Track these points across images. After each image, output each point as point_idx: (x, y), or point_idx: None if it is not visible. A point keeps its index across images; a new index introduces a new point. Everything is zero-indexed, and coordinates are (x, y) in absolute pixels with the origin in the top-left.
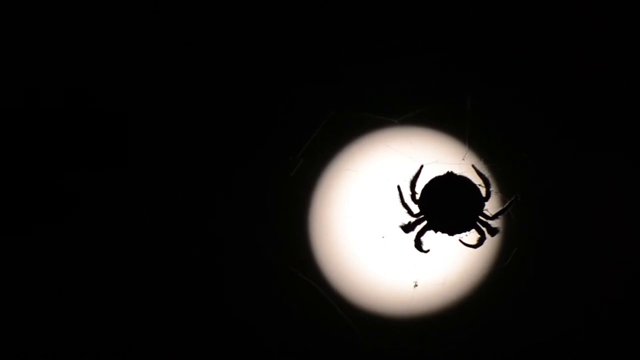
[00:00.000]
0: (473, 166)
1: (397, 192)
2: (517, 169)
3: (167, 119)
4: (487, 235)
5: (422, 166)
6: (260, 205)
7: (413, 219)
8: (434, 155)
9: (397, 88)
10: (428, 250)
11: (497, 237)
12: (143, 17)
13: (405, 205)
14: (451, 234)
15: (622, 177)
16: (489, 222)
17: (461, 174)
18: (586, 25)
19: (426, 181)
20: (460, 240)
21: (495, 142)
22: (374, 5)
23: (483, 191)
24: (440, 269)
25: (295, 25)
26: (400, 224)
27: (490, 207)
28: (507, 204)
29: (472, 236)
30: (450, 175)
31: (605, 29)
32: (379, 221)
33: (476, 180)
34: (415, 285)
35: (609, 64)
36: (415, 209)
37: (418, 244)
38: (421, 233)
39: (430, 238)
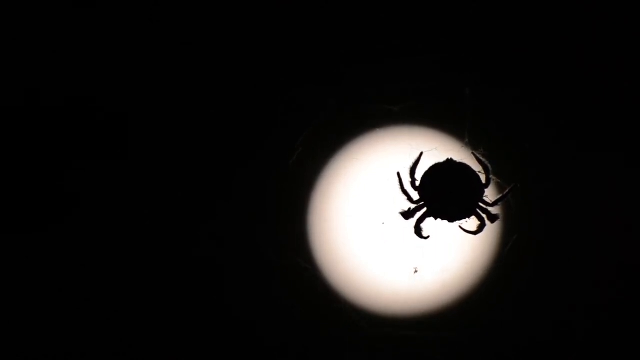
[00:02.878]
0: (473, 153)
1: (397, 179)
2: (517, 169)
3: (167, 119)
4: (487, 221)
5: (421, 153)
6: (260, 205)
7: (413, 206)
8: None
9: (397, 88)
10: (428, 237)
11: (496, 230)
12: (143, 17)
13: (405, 192)
14: (451, 220)
15: (622, 177)
16: (489, 208)
17: (461, 161)
18: (586, 25)
19: (426, 168)
20: (461, 227)
21: (495, 142)
22: (374, 5)
23: (483, 178)
24: (440, 260)
25: (295, 25)
26: (400, 210)
27: (491, 194)
28: (506, 190)
29: (472, 223)
30: (450, 162)
31: (605, 29)
32: (379, 219)
33: (476, 167)
34: (416, 272)
35: (609, 64)
36: (415, 195)
37: (418, 231)
38: (421, 220)
39: (431, 225)
